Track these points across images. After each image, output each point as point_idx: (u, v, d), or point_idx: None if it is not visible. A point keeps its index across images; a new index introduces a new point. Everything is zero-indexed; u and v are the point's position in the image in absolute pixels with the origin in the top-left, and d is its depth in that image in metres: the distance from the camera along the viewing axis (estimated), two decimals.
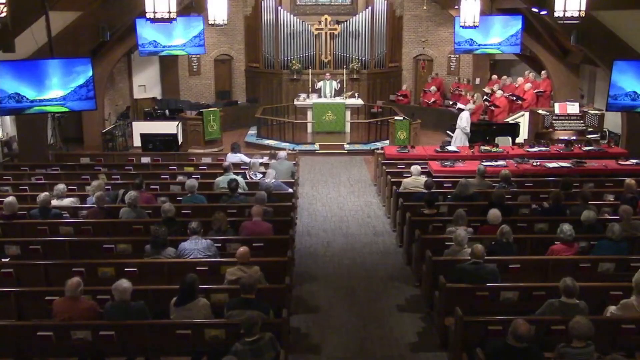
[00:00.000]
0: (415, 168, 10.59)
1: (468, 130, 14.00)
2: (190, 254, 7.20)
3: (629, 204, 8.17)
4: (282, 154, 11.67)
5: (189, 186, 9.32)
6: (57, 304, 5.94)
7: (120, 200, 9.27)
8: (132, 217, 8.44)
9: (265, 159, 11.93)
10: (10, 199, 8.48)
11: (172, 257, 7.12)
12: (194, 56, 19.39)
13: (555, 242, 7.35)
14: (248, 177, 10.73)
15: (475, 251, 6.62)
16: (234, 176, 9.92)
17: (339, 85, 18.28)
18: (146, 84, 19.51)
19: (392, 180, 10.87)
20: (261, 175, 10.61)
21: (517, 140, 14.34)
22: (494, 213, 7.82)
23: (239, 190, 9.50)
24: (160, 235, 7.07)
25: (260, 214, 8.11)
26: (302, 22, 19.67)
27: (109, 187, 10.03)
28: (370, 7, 19.56)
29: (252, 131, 17.99)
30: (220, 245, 7.59)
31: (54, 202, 8.94)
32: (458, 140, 14.11)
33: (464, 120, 14.04)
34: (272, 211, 8.59)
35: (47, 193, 8.78)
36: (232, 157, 11.67)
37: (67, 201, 9.25)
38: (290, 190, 10.40)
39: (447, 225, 8.20)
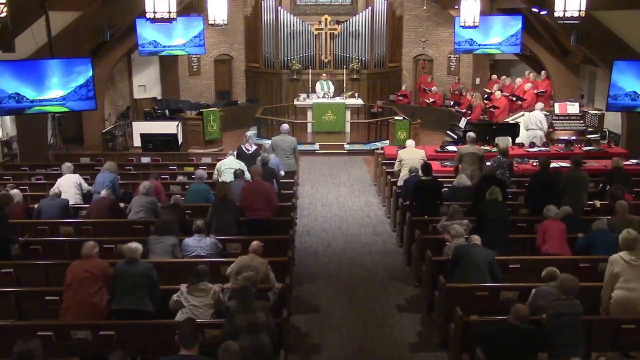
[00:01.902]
0: (411, 141, 10.97)
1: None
2: (193, 251, 7.27)
3: (619, 197, 8.24)
4: (285, 127, 11.46)
5: (198, 175, 9.53)
6: (70, 266, 6.22)
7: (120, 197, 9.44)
8: (147, 201, 8.59)
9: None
10: (15, 191, 8.62)
11: (174, 242, 7.28)
12: (194, 56, 19.38)
13: None
14: (243, 149, 10.78)
15: (474, 239, 6.97)
16: (239, 163, 10.08)
17: (333, 88, 18.24)
18: (146, 84, 19.50)
19: (392, 180, 10.86)
20: (255, 148, 10.81)
21: (517, 140, 14.34)
22: (493, 189, 8.00)
23: (246, 178, 9.58)
24: (165, 224, 7.40)
25: (259, 174, 8.30)
26: (302, 22, 19.66)
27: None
28: (370, 7, 19.55)
29: (252, 131, 17.95)
30: (221, 246, 7.61)
31: (61, 180, 9.19)
32: (538, 141, 13.77)
33: (544, 122, 13.85)
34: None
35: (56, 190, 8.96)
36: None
37: (75, 177, 9.41)
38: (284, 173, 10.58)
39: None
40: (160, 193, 9.36)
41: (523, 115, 15.78)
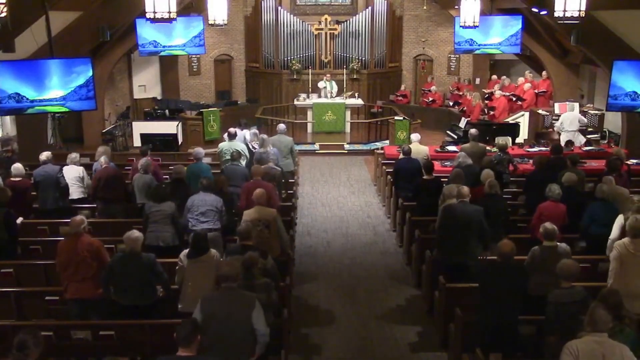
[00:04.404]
0: (415, 135, 11.15)
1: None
2: (199, 205, 7.46)
3: (617, 167, 8.56)
4: (282, 127, 11.45)
5: (196, 153, 9.59)
6: (60, 244, 6.20)
7: None
8: (143, 181, 8.72)
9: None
10: (19, 165, 8.68)
11: (173, 209, 7.45)
12: (194, 56, 19.37)
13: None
14: (251, 147, 10.83)
15: (461, 191, 7.12)
16: (240, 145, 10.14)
17: (336, 88, 18.27)
18: (146, 84, 19.49)
19: (392, 180, 10.85)
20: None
21: (517, 140, 14.35)
22: (487, 172, 8.12)
23: (242, 162, 9.67)
24: (160, 190, 7.64)
25: (260, 174, 8.30)
26: (302, 22, 19.66)
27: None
28: (370, 7, 19.55)
29: (255, 131, 17.94)
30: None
31: (66, 169, 9.21)
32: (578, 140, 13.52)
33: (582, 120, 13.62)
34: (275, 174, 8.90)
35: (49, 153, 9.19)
36: (241, 132, 11.83)
37: (76, 169, 9.36)
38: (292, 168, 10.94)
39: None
40: (157, 172, 9.41)
41: (523, 115, 15.86)
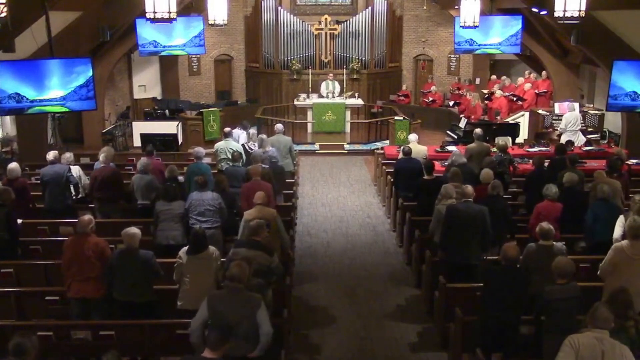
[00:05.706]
0: (413, 135, 11.24)
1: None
2: (197, 205, 7.52)
3: (617, 168, 8.63)
4: (279, 127, 11.45)
5: (196, 152, 9.63)
6: (67, 243, 6.26)
7: None
8: (145, 182, 8.72)
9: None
10: (13, 165, 8.63)
11: (182, 208, 7.57)
12: (194, 56, 19.38)
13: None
14: (247, 147, 10.85)
15: (465, 191, 7.12)
16: (235, 145, 10.18)
17: (338, 88, 18.29)
18: (146, 84, 19.49)
19: (391, 180, 10.85)
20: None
21: (517, 140, 14.34)
22: (487, 172, 8.18)
23: (240, 163, 9.72)
24: (170, 190, 7.72)
25: (258, 174, 8.34)
26: (302, 22, 19.66)
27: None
28: (370, 7, 19.56)
29: (252, 131, 17.93)
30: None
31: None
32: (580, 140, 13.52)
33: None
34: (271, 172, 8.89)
35: (56, 152, 9.23)
36: (237, 132, 11.85)
37: (75, 169, 9.36)
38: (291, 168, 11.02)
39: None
40: (163, 172, 9.40)
41: (523, 115, 15.85)
